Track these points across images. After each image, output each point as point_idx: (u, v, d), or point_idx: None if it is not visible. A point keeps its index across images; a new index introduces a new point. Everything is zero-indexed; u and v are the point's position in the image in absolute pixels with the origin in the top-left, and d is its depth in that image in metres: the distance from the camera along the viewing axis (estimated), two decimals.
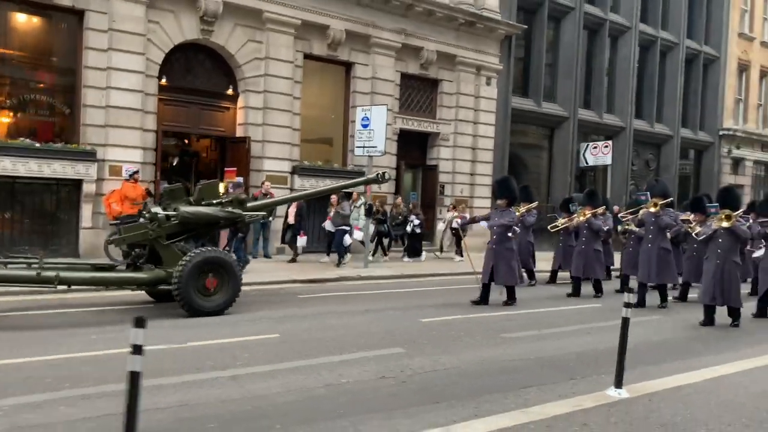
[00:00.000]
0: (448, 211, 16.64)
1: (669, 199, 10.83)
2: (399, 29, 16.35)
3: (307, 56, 15.23)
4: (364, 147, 13.60)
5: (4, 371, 5.13)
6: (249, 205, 9.05)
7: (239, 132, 14.72)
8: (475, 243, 13.57)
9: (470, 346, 6.72)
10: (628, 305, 5.14)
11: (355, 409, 4.55)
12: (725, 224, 8.59)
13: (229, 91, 14.63)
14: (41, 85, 12.46)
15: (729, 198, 9.35)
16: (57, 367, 5.31)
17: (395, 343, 6.68)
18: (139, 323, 2.95)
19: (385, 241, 15.63)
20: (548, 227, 13.18)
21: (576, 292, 11.08)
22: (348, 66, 16.12)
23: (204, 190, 8.72)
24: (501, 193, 10.00)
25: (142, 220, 8.25)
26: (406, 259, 15.32)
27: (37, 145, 11.73)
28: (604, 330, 7.85)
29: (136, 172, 12.17)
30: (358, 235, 13.57)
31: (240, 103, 14.63)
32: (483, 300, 9.52)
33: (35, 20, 12.33)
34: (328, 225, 13.74)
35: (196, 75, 14.25)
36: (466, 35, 17.73)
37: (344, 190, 12.55)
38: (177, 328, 7.00)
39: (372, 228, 14.16)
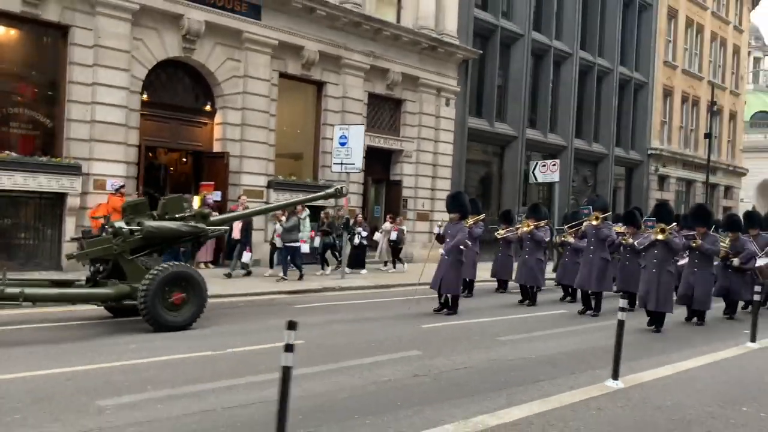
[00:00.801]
0: (385, 221, 16.86)
1: (608, 213, 11.81)
2: (368, 51, 17.24)
3: (282, 75, 15.84)
4: (342, 164, 14.34)
5: (118, 371, 5.64)
6: (212, 219, 9.14)
7: (216, 147, 15.12)
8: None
9: (475, 348, 7.61)
10: (623, 309, 6.16)
11: (408, 401, 5.32)
12: (660, 237, 9.42)
13: (207, 107, 15.03)
14: (24, 99, 12.47)
15: (664, 213, 10.18)
16: (155, 369, 5.78)
17: (411, 347, 7.47)
18: (291, 326, 3.66)
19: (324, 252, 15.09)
20: (495, 234, 13.71)
21: (531, 300, 11.80)
22: (320, 85, 16.83)
23: (168, 204, 8.65)
24: (453, 208, 10.44)
25: (104, 234, 8.13)
26: (347, 270, 14.79)
27: (23, 158, 11.79)
28: (580, 332, 8.96)
29: (123, 186, 12.43)
30: (304, 247, 13.54)
31: (218, 119, 15.05)
32: (443, 306, 10.19)
33: (18, 34, 12.33)
34: (278, 241, 13.43)
35: (176, 91, 14.57)
36: (429, 59, 18.83)
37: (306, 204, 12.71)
38: (207, 337, 7.51)
39: (318, 240, 14.39)
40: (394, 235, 16.03)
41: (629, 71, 27.64)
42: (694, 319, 10.55)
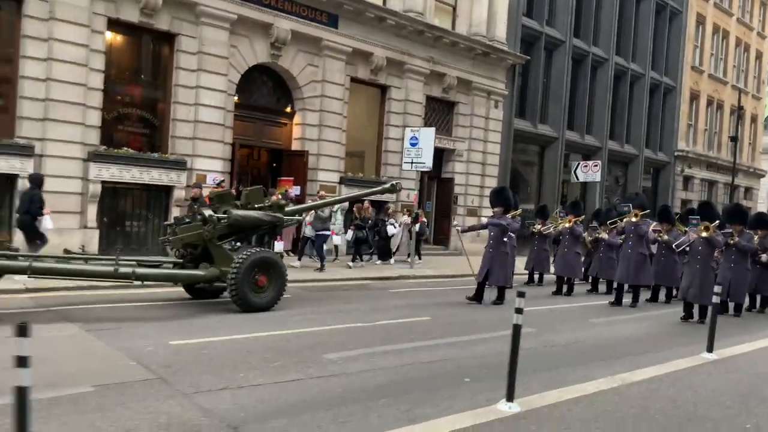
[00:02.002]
0: (403, 215, 16.86)
1: (646, 211, 12.32)
2: (428, 57, 18.45)
3: (353, 79, 17.07)
4: (412, 162, 15.58)
5: (309, 335, 6.86)
6: (287, 209, 9.89)
7: (295, 146, 16.38)
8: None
9: (575, 329, 8.87)
10: (717, 294, 7.41)
11: (533, 366, 6.43)
12: (704, 234, 9.91)
13: (288, 109, 16.29)
14: (135, 100, 13.72)
15: (708, 211, 10.80)
16: (336, 335, 7.05)
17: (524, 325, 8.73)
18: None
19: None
20: (532, 228, 14.38)
21: (568, 290, 12.75)
22: (384, 89, 18.05)
23: (250, 195, 9.27)
24: (497, 202, 10.87)
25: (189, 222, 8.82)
26: (378, 261, 15.49)
27: (138, 154, 13.08)
28: (640, 320, 10.10)
29: (223, 181, 13.71)
30: (337, 239, 14.39)
31: (297, 119, 16.31)
32: (477, 298, 10.47)
33: (133, 41, 13.58)
34: (308, 230, 13.77)
35: (261, 94, 15.83)
36: (481, 64, 20.02)
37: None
38: (347, 312, 8.80)
39: (351, 233, 15.01)
40: (418, 227, 16.18)
41: (659, 76, 28.76)
42: (730, 312, 11.22)
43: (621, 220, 13.40)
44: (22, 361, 2.60)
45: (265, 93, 15.90)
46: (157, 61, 13.97)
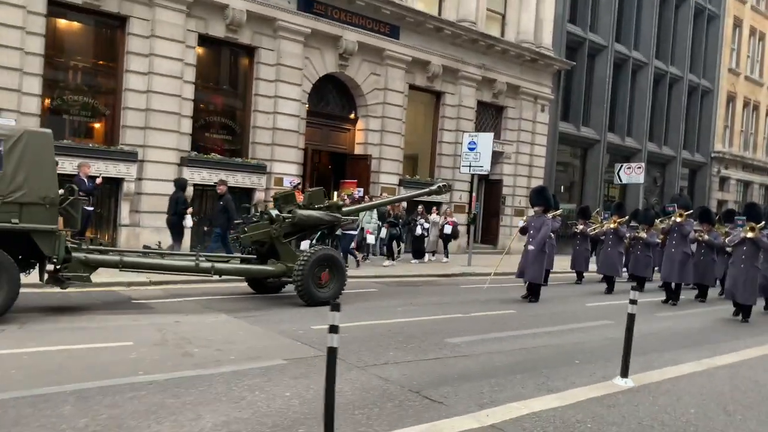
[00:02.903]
0: (435, 214, 16.90)
1: (690, 211, 12.80)
2: (480, 64, 19.33)
3: (411, 86, 18.04)
4: (470, 166, 16.48)
5: (403, 326, 7.81)
6: (344, 209, 10.35)
7: (358, 150, 17.40)
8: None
9: (648, 321, 9.64)
10: None
11: (640, 350, 7.43)
12: (750, 235, 10.11)
13: (351, 115, 17.31)
14: (219, 109, 14.84)
15: (754, 212, 11.00)
16: (440, 324, 8.02)
17: (597, 318, 9.62)
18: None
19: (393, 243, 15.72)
20: (588, 231, 14.91)
21: (610, 287, 13.24)
22: (439, 95, 18.99)
23: (312, 196, 9.88)
24: (537, 201, 11.15)
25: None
26: (413, 260, 15.85)
27: (224, 159, 14.19)
28: (688, 316, 10.84)
29: (300, 183, 14.76)
30: (371, 238, 14.82)
31: (360, 125, 17.33)
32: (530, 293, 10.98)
33: (218, 54, 14.69)
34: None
35: (327, 102, 16.87)
36: (529, 70, 20.85)
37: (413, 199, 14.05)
38: (440, 305, 9.76)
39: (384, 231, 15.42)
40: (448, 229, 16.82)
41: (697, 78, 29.27)
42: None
43: (661, 222, 14.01)
44: (333, 329, 3.59)
45: (330, 101, 16.93)
46: (239, 73, 15.07)
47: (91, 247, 7.85)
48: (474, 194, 16.73)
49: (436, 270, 14.87)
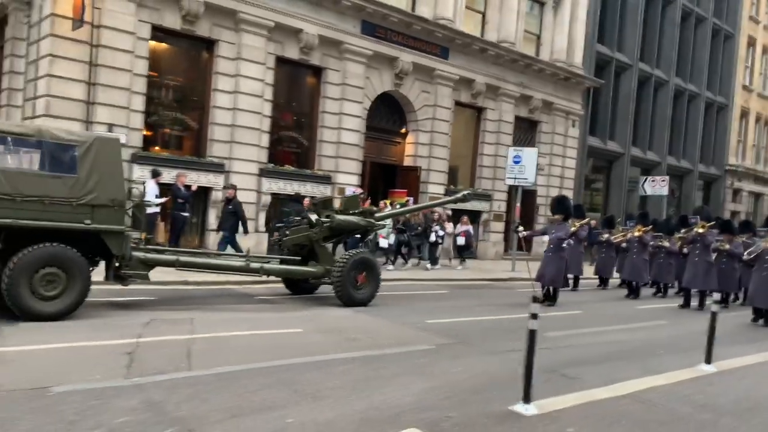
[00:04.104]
0: (448, 222, 17.11)
1: (712, 222, 13.55)
2: (519, 82, 20.64)
3: (457, 103, 19.33)
4: (515, 178, 17.75)
5: (500, 322, 9.05)
6: (376, 215, 10.71)
7: (407, 162, 18.67)
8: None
9: (697, 321, 10.94)
10: None
11: (693, 345, 8.54)
12: None
13: (402, 130, 18.59)
14: (288, 124, 16.10)
15: None
16: (502, 323, 9.25)
17: (652, 318, 10.85)
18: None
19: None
20: (612, 239, 15.82)
21: (636, 293, 14.02)
22: (480, 110, 20.28)
23: (347, 202, 10.40)
24: (558, 210, 11.58)
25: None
26: (428, 266, 15.91)
27: (296, 170, 15.46)
28: (727, 318, 12.16)
29: (362, 193, 16.00)
30: (383, 242, 15.26)
31: (410, 139, 18.61)
32: (548, 298, 11.21)
33: (289, 73, 15.94)
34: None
35: (381, 117, 18.14)
36: (562, 87, 22.16)
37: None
38: (506, 306, 10.99)
39: (393, 237, 15.57)
40: (460, 240, 17.09)
41: (713, 95, 30.61)
42: None
43: (685, 232, 14.42)
44: (533, 316, 4.84)
45: (384, 116, 18.21)
46: (308, 92, 16.34)
47: (149, 247, 8.34)
48: (518, 204, 17.95)
49: (484, 275, 16.09)
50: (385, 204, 17.16)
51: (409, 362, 6.08)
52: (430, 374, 5.70)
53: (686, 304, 12.78)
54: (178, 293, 9.24)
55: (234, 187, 13.02)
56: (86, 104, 12.16)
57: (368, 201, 15.55)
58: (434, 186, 18.59)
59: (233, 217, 12.72)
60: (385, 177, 19.38)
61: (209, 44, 14.13)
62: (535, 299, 5.04)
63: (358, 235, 11.97)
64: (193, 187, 12.89)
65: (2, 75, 14.41)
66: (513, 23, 20.32)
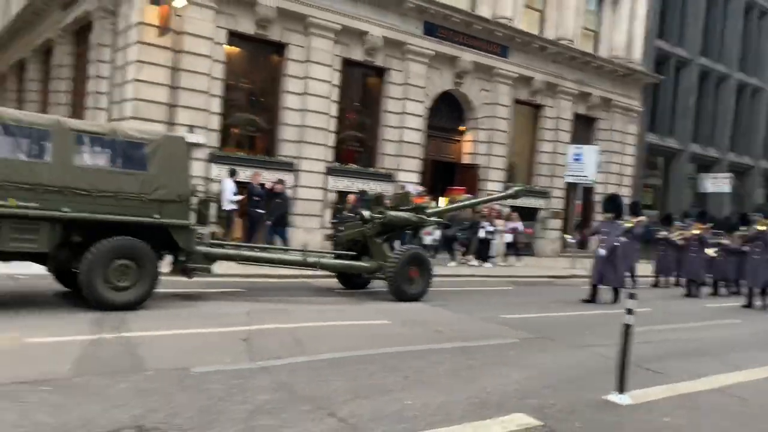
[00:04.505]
0: (500, 219, 16.89)
1: None
2: (577, 79, 20.58)
3: (517, 101, 19.45)
4: (575, 176, 17.77)
5: (583, 318, 9.26)
6: (428, 211, 10.68)
7: (466, 159, 18.91)
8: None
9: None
10: None
11: (758, 345, 8.63)
12: None
13: (460, 128, 18.84)
14: (351, 124, 16.56)
15: None
16: (584, 318, 9.44)
17: (723, 317, 10.83)
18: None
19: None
20: (670, 237, 15.43)
21: (695, 292, 14.02)
22: (538, 107, 20.33)
23: (399, 198, 10.55)
24: (609, 208, 11.55)
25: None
26: (473, 262, 15.90)
27: (359, 169, 15.92)
28: None
29: (425, 190, 16.34)
30: (428, 239, 15.19)
31: (468, 137, 18.84)
32: (592, 299, 11.03)
33: (352, 75, 16.39)
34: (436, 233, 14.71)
35: (441, 115, 18.43)
36: (620, 84, 21.97)
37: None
38: (580, 304, 11.15)
39: (438, 233, 15.46)
40: (508, 238, 16.88)
41: None
42: None
43: (747, 230, 14.18)
44: (629, 311, 5.09)
45: (443, 114, 18.48)
46: (371, 92, 16.77)
47: (211, 241, 8.59)
48: (579, 202, 17.97)
49: (544, 271, 16.20)
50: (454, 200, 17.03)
51: (499, 354, 6.40)
52: (523, 365, 6.00)
53: (749, 304, 12.57)
54: (247, 285, 9.68)
55: (282, 182, 13.29)
56: (169, 107, 12.87)
57: (428, 198, 15.89)
58: (492, 183, 18.77)
59: (279, 209, 12.96)
60: (444, 175, 19.64)
61: (280, 48, 14.70)
62: (631, 296, 5.26)
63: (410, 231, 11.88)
64: (267, 185, 13.48)
65: (88, 79, 15.32)
66: (571, 20, 20.27)
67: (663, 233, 15.92)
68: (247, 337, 6.03)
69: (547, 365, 6.11)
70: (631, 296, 5.26)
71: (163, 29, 12.23)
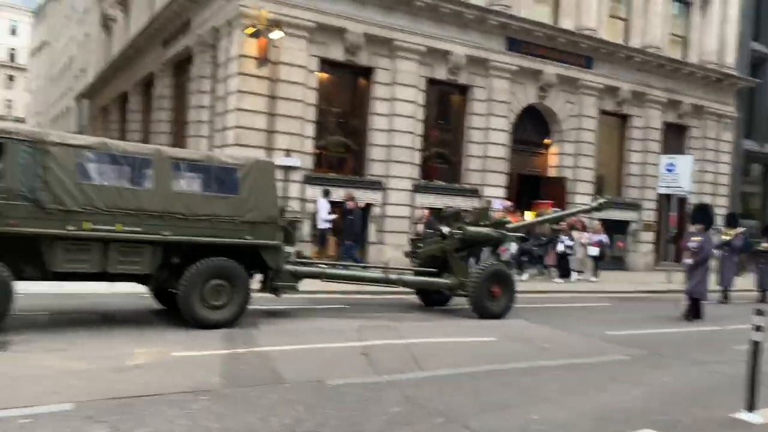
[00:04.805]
0: (581, 231, 16.23)
1: None
2: (665, 88, 19.98)
3: (603, 112, 19.11)
4: (668, 187, 17.20)
5: (678, 336, 9.04)
6: (508, 226, 10.54)
7: (552, 173, 18.73)
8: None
9: None
10: None
11: None
12: None
13: (545, 141, 18.71)
14: (435, 141, 16.82)
15: None
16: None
17: None
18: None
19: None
20: (758, 246, 14.85)
21: None
22: (625, 118, 19.87)
23: (478, 214, 10.39)
24: (699, 219, 11.09)
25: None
26: (557, 279, 15.44)
27: (444, 184, 16.15)
28: None
29: (512, 205, 16.32)
30: (506, 255, 14.29)
31: (554, 150, 18.67)
32: (696, 315, 10.61)
33: (435, 94, 16.69)
34: (513, 247, 14.08)
35: (525, 129, 18.39)
36: (712, 90, 21.13)
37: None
38: (679, 320, 10.81)
39: (514, 247, 14.54)
40: (593, 251, 15.98)
41: None
42: None
43: None
44: (757, 328, 5.00)
45: (527, 128, 18.43)
46: (454, 109, 17.02)
47: (298, 260, 8.59)
48: (673, 214, 17.38)
49: (639, 286, 15.73)
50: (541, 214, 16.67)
51: (611, 370, 6.39)
52: (640, 382, 5.97)
53: None
54: (339, 300, 9.93)
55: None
56: (267, 133, 13.61)
57: (506, 212, 15.79)
58: (580, 196, 18.47)
59: (353, 227, 13.14)
60: (530, 188, 19.52)
61: (367, 72, 15.23)
62: (758, 312, 5.17)
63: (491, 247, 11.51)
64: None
65: (189, 109, 16.43)
66: (658, 27, 19.76)
67: (765, 245, 15.19)
68: (367, 353, 6.33)
69: (664, 382, 6.05)
70: (759, 312, 5.17)
71: (262, 60, 12.99)
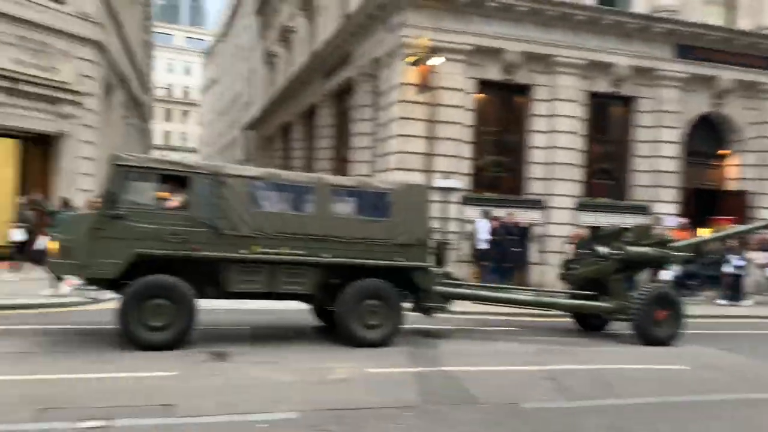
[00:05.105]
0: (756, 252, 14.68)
1: None
2: None
3: None
4: None
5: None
6: (672, 245, 9.50)
7: (731, 186, 17.11)
8: None
9: None
10: None
11: None
12: None
13: (722, 151, 17.17)
14: (597, 156, 16.05)
15: None
16: None
17: None
18: None
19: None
20: None
21: None
22: None
23: (638, 232, 9.55)
24: None
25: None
26: (721, 301, 14.14)
27: (607, 201, 15.43)
28: None
29: (684, 222, 15.15)
30: (665, 275, 13.11)
31: (734, 161, 17.05)
32: None
33: (598, 107, 16.03)
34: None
35: (698, 140, 16.99)
36: None
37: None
38: None
39: (677, 268, 13.16)
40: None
41: None
42: None
43: None
44: None
45: (701, 139, 17.02)
46: (618, 122, 16.25)
47: (447, 281, 8.49)
48: None
49: None
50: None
51: None
52: None
53: None
54: (481, 322, 9.73)
55: (497, 219, 13.16)
56: (426, 156, 13.96)
57: (684, 230, 14.63)
58: (765, 211, 16.65)
59: (498, 248, 12.92)
60: (706, 203, 17.99)
61: (524, 89, 15.08)
62: None
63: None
64: (522, 224, 13.74)
65: (351, 136, 17.35)
66: None
67: None
68: (553, 377, 6.21)
69: None
70: None
71: (422, 87, 13.40)
